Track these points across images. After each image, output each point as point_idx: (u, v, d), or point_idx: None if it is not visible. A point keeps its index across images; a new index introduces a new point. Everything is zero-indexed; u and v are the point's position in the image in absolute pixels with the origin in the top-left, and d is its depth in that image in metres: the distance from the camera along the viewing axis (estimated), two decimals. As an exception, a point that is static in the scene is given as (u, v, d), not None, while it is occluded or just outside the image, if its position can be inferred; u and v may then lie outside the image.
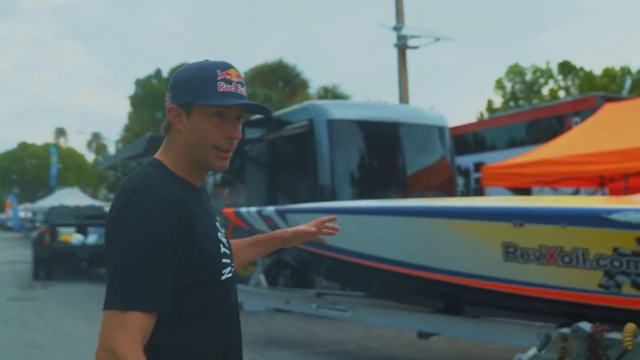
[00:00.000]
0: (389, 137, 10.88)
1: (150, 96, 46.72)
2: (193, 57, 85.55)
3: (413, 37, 16.48)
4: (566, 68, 39.58)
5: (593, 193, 12.24)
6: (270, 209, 7.11)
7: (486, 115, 41.30)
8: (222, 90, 1.78)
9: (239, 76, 1.84)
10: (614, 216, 4.54)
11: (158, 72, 49.54)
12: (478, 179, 17.08)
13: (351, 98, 31.04)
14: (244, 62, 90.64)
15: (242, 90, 1.83)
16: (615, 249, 4.58)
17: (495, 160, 14.55)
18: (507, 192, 14.82)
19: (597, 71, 37.80)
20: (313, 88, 33.98)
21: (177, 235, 1.68)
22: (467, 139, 18.18)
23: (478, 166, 17.07)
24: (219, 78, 1.79)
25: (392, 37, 16.95)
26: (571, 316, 5.22)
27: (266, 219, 7.12)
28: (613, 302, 4.69)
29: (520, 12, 79.88)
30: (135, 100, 47.53)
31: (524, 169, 10.35)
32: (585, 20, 74.27)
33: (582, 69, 39.01)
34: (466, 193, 15.91)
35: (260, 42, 78.78)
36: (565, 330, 2.83)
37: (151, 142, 12.11)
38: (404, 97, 16.93)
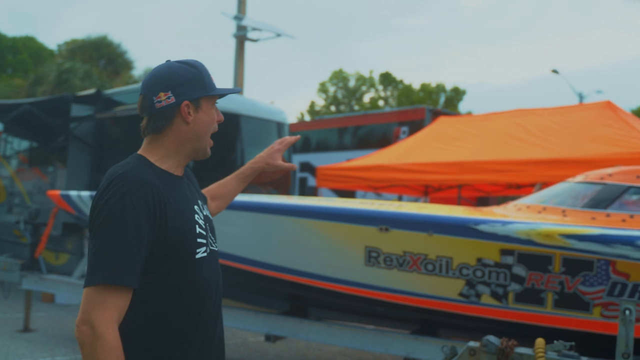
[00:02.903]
0: (228, 128, 10.52)
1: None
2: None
3: (254, 29, 16.18)
4: (387, 79, 41.38)
5: (416, 200, 12.69)
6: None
7: (307, 117, 42.06)
8: (213, 82, 2.09)
9: None
10: (481, 227, 4.57)
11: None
12: (303, 178, 17.22)
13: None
14: (63, 33, 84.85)
15: None
16: (479, 259, 4.61)
17: (322, 161, 14.69)
18: (331, 194, 15.04)
19: (415, 85, 39.95)
20: (138, 69, 32.58)
21: (151, 216, 1.85)
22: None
23: (304, 166, 17.21)
24: (207, 72, 2.09)
25: (232, 27, 16.56)
26: (425, 323, 5.22)
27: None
28: (471, 311, 4.71)
29: (344, 22, 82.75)
30: None
31: (360, 172, 10.47)
32: (402, 37, 78.44)
33: (401, 81, 40.99)
34: (293, 192, 15.88)
35: (83, 13, 74.33)
36: (474, 344, 2.69)
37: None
38: (238, 90, 16.58)
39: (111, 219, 1.82)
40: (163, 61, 2.10)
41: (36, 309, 8.35)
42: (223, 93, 2.08)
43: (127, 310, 1.83)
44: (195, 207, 2.07)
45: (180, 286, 1.94)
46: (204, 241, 2.03)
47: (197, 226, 2.00)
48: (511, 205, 5.40)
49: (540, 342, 2.58)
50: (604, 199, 4.74)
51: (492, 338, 2.67)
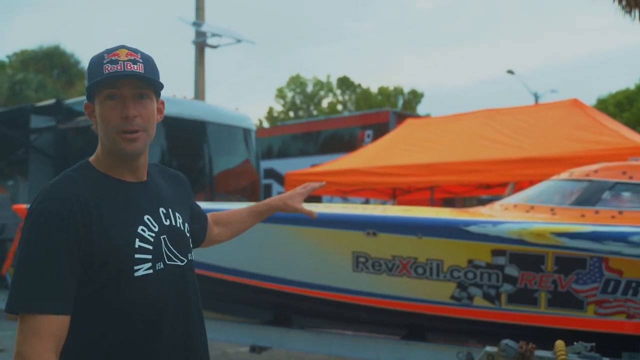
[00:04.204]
0: (195, 135, 10.38)
1: None
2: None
3: (214, 35, 15.99)
4: (345, 83, 41.45)
5: (384, 203, 12.66)
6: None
7: (265, 123, 41.86)
8: (107, 72, 1.75)
9: (129, 54, 1.79)
10: (472, 228, 4.50)
11: None
12: (268, 185, 17.06)
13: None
14: (11, 44, 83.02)
15: (135, 67, 1.77)
16: (470, 261, 4.54)
17: (286, 167, 14.58)
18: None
19: (373, 89, 40.09)
20: (93, 80, 31.81)
21: (70, 232, 1.68)
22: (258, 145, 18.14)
23: (269, 172, 17.07)
24: (104, 61, 1.77)
25: (191, 33, 16.34)
26: (415, 328, 5.14)
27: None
28: (463, 314, 4.65)
29: (296, 28, 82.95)
30: None
31: (329, 177, 10.34)
32: (354, 42, 78.87)
33: (359, 85, 41.11)
34: (259, 199, 15.70)
35: (31, 24, 72.79)
36: (491, 349, 2.60)
37: None
38: (199, 96, 16.38)
39: (29, 240, 1.68)
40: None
41: (2, 328, 8.02)
42: (89, 85, 1.78)
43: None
44: (148, 217, 1.83)
45: (117, 308, 1.73)
46: (148, 257, 1.78)
47: (137, 240, 1.77)
48: (497, 205, 5.37)
49: (560, 344, 2.51)
50: (592, 196, 4.73)
51: (510, 342, 2.59)
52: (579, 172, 5.06)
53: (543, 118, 8.94)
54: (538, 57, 75.82)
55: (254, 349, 5.57)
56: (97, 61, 1.79)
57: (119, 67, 1.75)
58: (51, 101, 11.04)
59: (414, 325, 5.11)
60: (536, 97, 32.34)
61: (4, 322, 8.79)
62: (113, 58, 1.77)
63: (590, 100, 34.93)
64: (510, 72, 30.89)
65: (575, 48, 75.90)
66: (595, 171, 4.92)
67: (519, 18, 79.21)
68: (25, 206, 6.92)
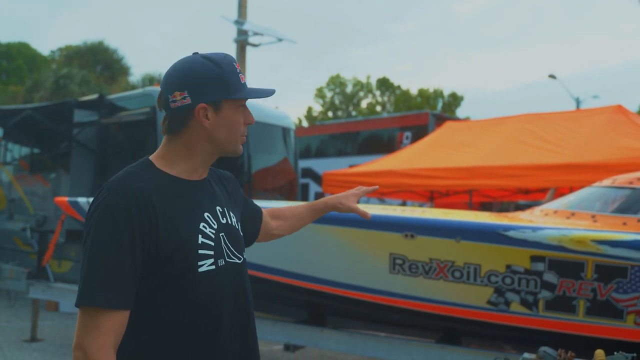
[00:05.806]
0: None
1: None
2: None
3: (256, 34, 16.08)
4: (385, 84, 41.32)
5: (421, 206, 12.60)
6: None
7: (304, 122, 41.97)
8: (243, 82, 1.87)
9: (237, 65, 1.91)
10: (511, 233, 4.46)
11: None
12: (305, 184, 17.09)
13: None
14: (56, 40, 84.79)
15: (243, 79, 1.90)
16: (508, 266, 4.50)
17: (324, 167, 14.59)
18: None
19: (413, 91, 39.95)
20: (135, 76, 32.38)
21: (136, 227, 1.69)
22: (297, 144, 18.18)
23: (306, 172, 17.10)
24: (238, 71, 1.87)
25: (233, 31, 16.46)
26: (451, 332, 5.11)
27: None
28: (500, 320, 4.60)
29: (336, 28, 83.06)
30: None
31: (367, 178, 10.33)
32: (394, 43, 78.67)
33: (399, 87, 40.96)
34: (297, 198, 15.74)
35: (75, 20, 74.32)
36: (529, 355, 2.58)
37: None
38: (239, 95, 16.47)
39: (95, 234, 1.69)
40: (160, 67, 1.96)
41: (41, 318, 8.18)
42: (248, 97, 1.88)
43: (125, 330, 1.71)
44: (207, 214, 1.86)
45: (180, 303, 1.76)
46: (210, 252, 1.82)
47: (200, 236, 1.80)
48: (537, 210, 5.30)
49: (600, 353, 2.48)
50: (635, 204, 4.64)
51: (548, 349, 2.55)
52: (621, 179, 4.97)
53: (585, 124, 8.80)
54: (578, 62, 74.88)
55: (287, 348, 5.59)
56: (233, 70, 1.86)
57: (243, 79, 1.89)
58: (94, 96, 11.20)
59: (449, 329, 5.08)
60: (578, 102, 31.89)
61: (43, 312, 8.99)
62: (238, 68, 1.88)
63: (633, 107, 34.31)
64: (552, 76, 30.51)
65: (617, 54, 74.64)
66: (639, 179, 4.83)
67: (560, 22, 78.18)
68: (66, 199, 7.06)
